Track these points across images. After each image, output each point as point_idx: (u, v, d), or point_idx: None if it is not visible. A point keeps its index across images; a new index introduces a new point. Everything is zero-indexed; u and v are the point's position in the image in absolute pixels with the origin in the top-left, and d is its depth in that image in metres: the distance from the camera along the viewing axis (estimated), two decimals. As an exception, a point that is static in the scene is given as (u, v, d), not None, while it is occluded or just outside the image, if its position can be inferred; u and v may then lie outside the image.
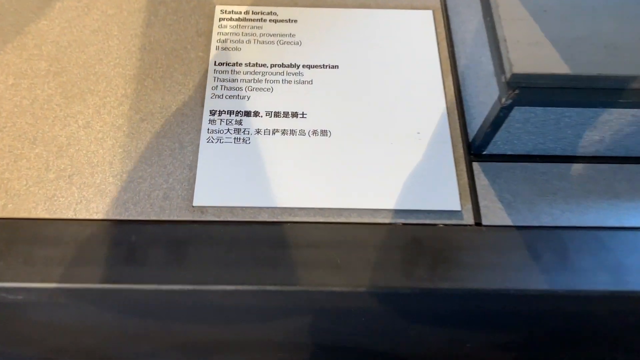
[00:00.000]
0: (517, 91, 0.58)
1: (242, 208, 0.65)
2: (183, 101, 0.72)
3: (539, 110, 0.61)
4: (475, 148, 0.69)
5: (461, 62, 0.75)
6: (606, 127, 0.64)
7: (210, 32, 0.78)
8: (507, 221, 0.66)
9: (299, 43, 0.78)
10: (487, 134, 0.66)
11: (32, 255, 0.61)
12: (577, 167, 0.69)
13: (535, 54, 0.57)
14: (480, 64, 0.67)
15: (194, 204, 0.64)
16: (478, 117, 0.68)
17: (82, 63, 0.75)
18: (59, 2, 0.80)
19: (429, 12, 0.82)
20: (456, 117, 0.73)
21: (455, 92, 0.74)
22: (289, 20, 0.80)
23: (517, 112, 0.62)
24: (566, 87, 0.58)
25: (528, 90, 0.58)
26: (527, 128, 0.65)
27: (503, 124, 0.64)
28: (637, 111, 0.61)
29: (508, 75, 0.57)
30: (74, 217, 0.64)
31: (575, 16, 0.61)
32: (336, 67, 0.76)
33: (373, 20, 0.80)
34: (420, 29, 0.80)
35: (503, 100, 0.59)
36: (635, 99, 0.58)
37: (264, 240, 0.63)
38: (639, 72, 0.56)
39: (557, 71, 0.56)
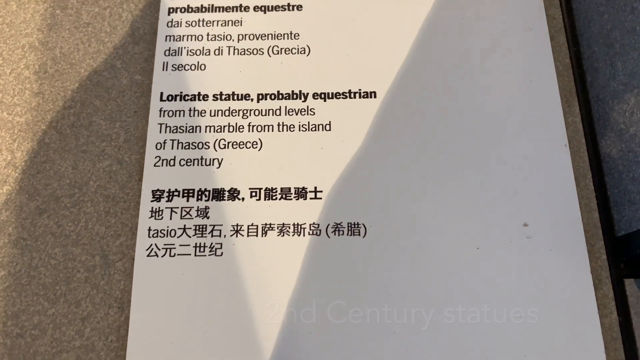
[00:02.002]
0: None
1: (210, 389, 0.36)
2: (108, 172, 0.42)
3: None
4: (631, 251, 0.38)
5: (600, 81, 0.41)
6: None
7: (155, 34, 0.46)
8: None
9: (306, 50, 0.45)
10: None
11: None
12: None
13: None
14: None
15: (127, 382, 0.36)
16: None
17: (-60, 105, 0.44)
18: None
19: (533, -22, 0.47)
20: (589, 187, 0.41)
21: (586, 142, 0.41)
22: (289, 6, 0.46)
23: None
24: None
25: None
26: None
27: None
28: None
29: None
30: None
31: None
32: (372, 94, 0.43)
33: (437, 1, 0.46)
34: (516, 16, 0.46)
35: None
36: None
37: None
38: None
39: None
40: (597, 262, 0.39)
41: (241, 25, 0.46)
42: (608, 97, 0.40)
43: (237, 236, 0.39)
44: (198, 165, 0.41)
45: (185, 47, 0.45)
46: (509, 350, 0.36)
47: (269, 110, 0.43)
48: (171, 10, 0.46)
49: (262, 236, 0.39)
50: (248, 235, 0.39)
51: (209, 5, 0.46)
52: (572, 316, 0.37)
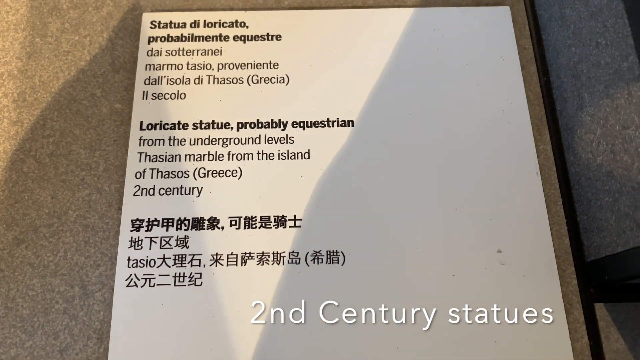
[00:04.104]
0: None
1: (189, 420, 0.37)
2: (87, 202, 0.42)
3: None
4: (600, 276, 0.39)
5: (569, 110, 0.43)
6: None
7: (135, 63, 0.46)
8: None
9: (285, 79, 0.46)
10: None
11: None
12: None
13: None
14: (629, 140, 0.35)
15: (106, 415, 0.36)
16: (611, 230, 0.38)
17: None
18: None
19: (505, 10, 0.48)
20: (560, 214, 0.42)
21: (557, 169, 0.43)
22: (268, 36, 0.47)
23: None
24: None
25: None
26: None
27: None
28: None
29: None
30: None
31: None
32: (350, 123, 0.44)
33: (410, 30, 0.47)
34: (488, 46, 0.47)
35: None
36: None
37: None
38: None
39: None
40: (568, 287, 0.40)
41: (221, 54, 0.46)
42: (576, 126, 0.42)
43: (216, 265, 0.40)
44: (178, 194, 0.42)
45: (165, 76, 0.45)
46: (483, 376, 0.37)
47: (248, 138, 0.43)
48: (151, 39, 0.47)
49: (241, 265, 0.40)
50: (228, 265, 0.40)
51: (189, 34, 0.47)
52: (544, 341, 0.38)
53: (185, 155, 0.43)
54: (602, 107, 0.38)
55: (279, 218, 0.41)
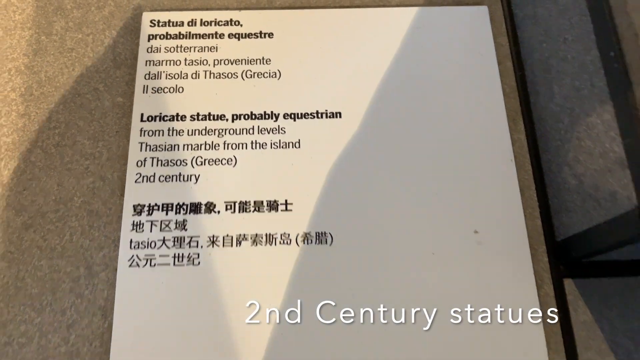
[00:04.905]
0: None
1: (189, 389, 0.39)
2: (91, 189, 0.45)
3: None
4: (568, 253, 0.42)
5: (542, 102, 0.46)
6: None
7: (135, 59, 0.49)
8: (628, 388, 0.40)
9: (277, 74, 0.49)
10: (600, 247, 0.39)
11: None
12: None
13: None
14: (591, 127, 0.38)
15: (111, 384, 0.39)
16: (577, 210, 0.41)
17: None
18: None
19: (483, 9, 0.52)
20: (533, 198, 0.45)
21: (530, 157, 0.46)
22: (261, 34, 0.50)
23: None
24: None
25: None
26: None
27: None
28: None
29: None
30: None
31: None
32: (338, 115, 0.47)
33: (394, 28, 0.51)
34: (468, 43, 0.50)
35: (651, 224, 0.32)
36: None
37: None
38: None
39: None
40: (540, 264, 0.43)
41: (217, 51, 0.49)
42: (548, 117, 0.45)
43: (213, 246, 0.42)
44: (176, 181, 0.44)
45: (164, 72, 0.48)
46: (456, 347, 0.40)
47: (242, 129, 0.46)
48: (151, 37, 0.49)
49: (236, 246, 0.43)
50: (223, 246, 0.42)
51: (186, 32, 0.50)
52: (514, 317, 0.41)
53: (184, 145, 0.45)
54: (569, 98, 0.41)
55: (272, 203, 0.44)
